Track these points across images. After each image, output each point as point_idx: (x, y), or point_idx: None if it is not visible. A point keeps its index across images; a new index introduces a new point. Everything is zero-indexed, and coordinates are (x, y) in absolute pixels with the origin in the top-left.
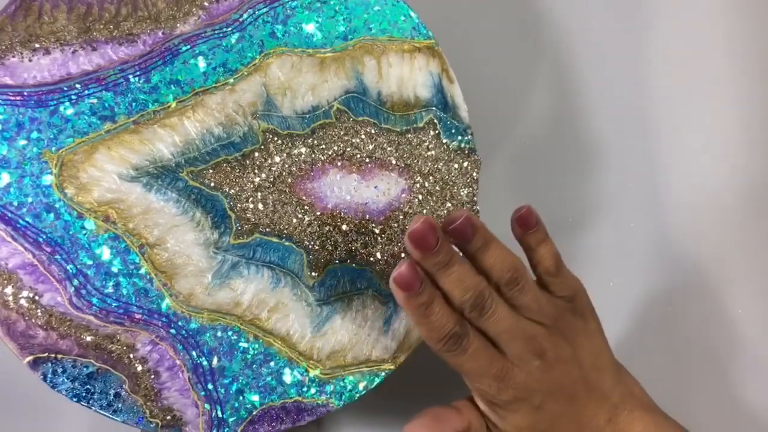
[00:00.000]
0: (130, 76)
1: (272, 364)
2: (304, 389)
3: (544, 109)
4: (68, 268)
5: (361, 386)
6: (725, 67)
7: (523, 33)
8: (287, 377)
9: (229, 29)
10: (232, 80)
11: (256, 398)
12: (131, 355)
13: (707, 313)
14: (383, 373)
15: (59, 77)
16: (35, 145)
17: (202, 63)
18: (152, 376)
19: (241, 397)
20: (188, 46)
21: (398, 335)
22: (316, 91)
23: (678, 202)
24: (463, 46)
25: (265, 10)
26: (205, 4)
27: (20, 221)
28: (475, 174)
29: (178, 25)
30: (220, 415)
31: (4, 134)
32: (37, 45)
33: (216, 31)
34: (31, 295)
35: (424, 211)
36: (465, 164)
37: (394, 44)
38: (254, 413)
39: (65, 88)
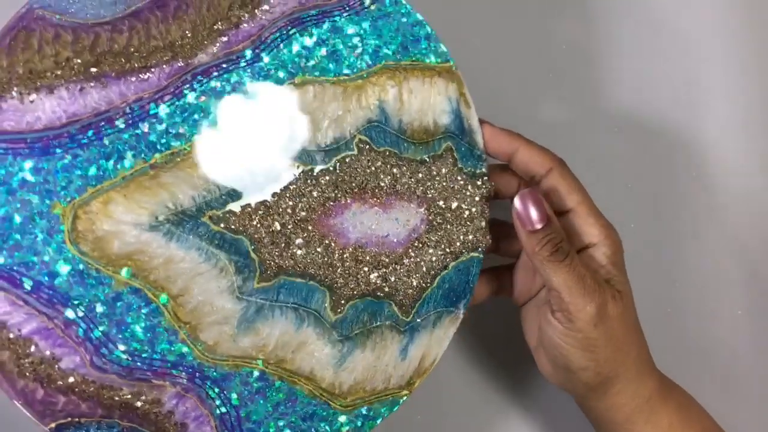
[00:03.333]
0: (146, 117)
1: (297, 403)
2: (328, 424)
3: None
4: (87, 327)
5: (379, 415)
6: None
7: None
8: (312, 415)
9: (247, 59)
10: None
11: None
12: (158, 410)
13: (707, 313)
14: (401, 400)
15: (66, 119)
16: (44, 197)
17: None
18: (179, 429)
19: None
20: (206, 79)
21: (413, 363)
22: (338, 122)
23: (678, 201)
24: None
25: (284, 35)
26: (223, 30)
27: (33, 283)
28: (486, 198)
29: (198, 54)
30: None
31: (8, 188)
32: (38, 83)
33: (234, 62)
34: (49, 360)
35: (443, 241)
36: (481, 190)
37: (416, 69)
38: None
39: (73, 132)
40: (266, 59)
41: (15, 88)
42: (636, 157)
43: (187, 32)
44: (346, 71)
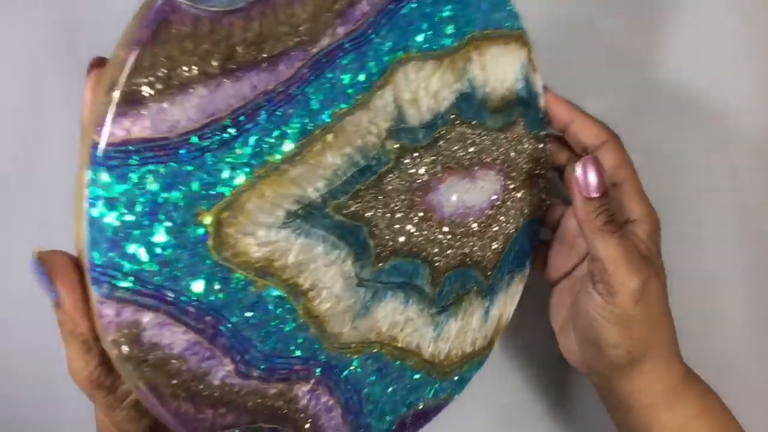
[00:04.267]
0: (277, 109)
1: (406, 378)
2: (430, 393)
3: None
4: (232, 335)
5: (469, 376)
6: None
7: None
8: (417, 387)
9: (365, 38)
10: (367, 96)
11: (394, 415)
12: (295, 407)
13: (707, 314)
14: (485, 359)
15: (205, 119)
16: (188, 206)
17: (344, 80)
18: (311, 421)
19: (385, 417)
20: (331, 63)
21: (493, 322)
22: (436, 97)
23: (678, 202)
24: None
25: (390, 11)
26: (340, 10)
27: (182, 297)
28: (546, 161)
29: (321, 37)
30: None
31: (152, 203)
32: (178, 81)
33: (354, 42)
34: (200, 377)
35: (516, 204)
36: (546, 153)
37: (497, 37)
38: (393, 427)
39: (211, 133)
40: (380, 35)
41: (155, 89)
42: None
43: (310, 14)
44: (441, 44)
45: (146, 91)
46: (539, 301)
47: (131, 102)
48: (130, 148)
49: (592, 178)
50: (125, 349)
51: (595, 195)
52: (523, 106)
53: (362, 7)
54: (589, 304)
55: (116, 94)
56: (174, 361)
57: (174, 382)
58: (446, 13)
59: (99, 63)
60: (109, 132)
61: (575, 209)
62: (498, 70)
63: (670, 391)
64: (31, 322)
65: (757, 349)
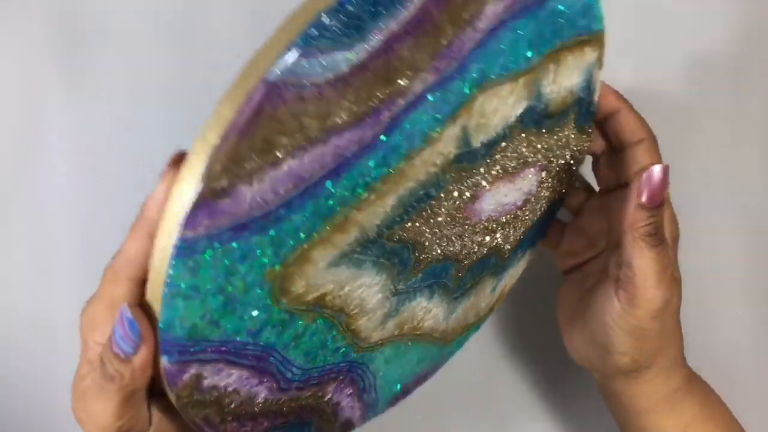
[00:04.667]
0: (356, 164)
1: (417, 354)
2: (435, 358)
3: None
4: (279, 363)
5: (468, 337)
6: None
7: None
8: (424, 358)
9: (451, 76)
10: (441, 130)
11: (400, 383)
12: (323, 400)
13: (707, 313)
14: (484, 322)
15: (291, 191)
16: (258, 270)
17: (423, 120)
18: (333, 407)
19: (393, 388)
20: (415, 107)
21: (498, 293)
22: (505, 117)
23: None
24: None
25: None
26: (439, 52)
27: (240, 347)
28: (585, 152)
29: (412, 86)
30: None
31: (224, 278)
32: (269, 161)
33: (442, 83)
34: (248, 402)
35: (548, 195)
36: (586, 144)
37: (573, 45)
38: (397, 395)
39: (288, 198)
40: (467, 69)
41: (246, 176)
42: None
43: (409, 66)
44: (521, 64)
45: (237, 181)
46: (540, 302)
47: (219, 194)
48: (213, 234)
49: (655, 187)
50: (186, 397)
51: (650, 204)
52: (579, 102)
53: (459, 46)
54: (606, 309)
55: (202, 187)
56: (228, 397)
57: (226, 410)
58: (531, 32)
59: (179, 159)
60: (190, 224)
61: (625, 212)
62: (568, 77)
63: (672, 395)
64: (30, 322)
65: (757, 349)
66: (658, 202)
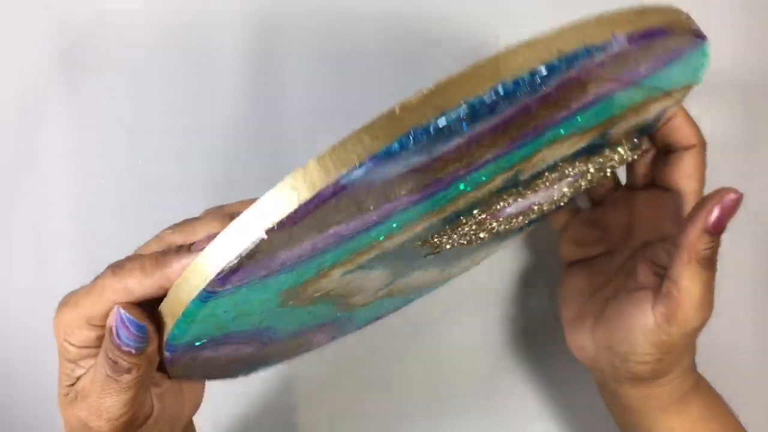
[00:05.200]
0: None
1: (396, 304)
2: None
3: None
4: (270, 333)
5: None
6: None
7: None
8: (401, 303)
9: (527, 141)
10: (494, 177)
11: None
12: (301, 344)
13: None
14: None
15: (324, 246)
16: (276, 292)
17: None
18: (307, 345)
19: (365, 321)
20: (480, 169)
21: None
22: (560, 153)
23: None
24: None
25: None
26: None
27: (241, 334)
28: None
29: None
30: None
31: (242, 306)
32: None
33: (515, 149)
34: (232, 360)
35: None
36: (636, 150)
37: (663, 96)
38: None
39: (325, 248)
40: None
41: (295, 245)
42: None
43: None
44: (593, 122)
45: (281, 250)
46: (541, 301)
47: (261, 257)
48: (243, 283)
49: (725, 214)
50: (180, 369)
51: (714, 230)
52: (642, 129)
53: (542, 125)
54: (637, 321)
55: (240, 259)
56: (217, 359)
57: (209, 364)
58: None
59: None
60: (225, 281)
61: (687, 233)
62: (644, 117)
63: (681, 397)
64: (31, 323)
65: (757, 349)
66: (720, 230)
